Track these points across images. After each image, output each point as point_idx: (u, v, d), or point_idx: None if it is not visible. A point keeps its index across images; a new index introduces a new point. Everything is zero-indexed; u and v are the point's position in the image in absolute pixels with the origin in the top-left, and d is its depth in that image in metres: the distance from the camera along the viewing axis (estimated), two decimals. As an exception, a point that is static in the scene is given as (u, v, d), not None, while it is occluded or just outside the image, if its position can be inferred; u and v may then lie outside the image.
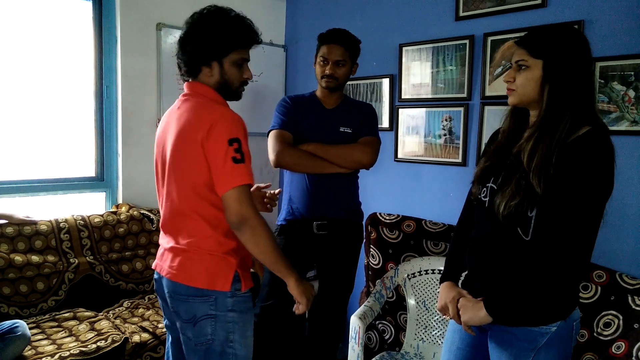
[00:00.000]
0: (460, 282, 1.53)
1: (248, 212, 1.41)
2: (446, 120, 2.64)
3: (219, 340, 1.50)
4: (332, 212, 2.18)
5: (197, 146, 1.42)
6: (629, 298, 1.86)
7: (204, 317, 1.48)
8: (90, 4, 2.75)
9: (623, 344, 1.78)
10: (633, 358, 1.71)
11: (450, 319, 1.46)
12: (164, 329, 2.23)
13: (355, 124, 2.18)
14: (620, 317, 1.84)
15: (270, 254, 1.49)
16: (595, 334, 1.89)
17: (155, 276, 1.64)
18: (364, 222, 2.48)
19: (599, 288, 1.95)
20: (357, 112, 2.22)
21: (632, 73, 1.99)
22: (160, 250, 1.63)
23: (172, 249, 1.54)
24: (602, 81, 2.06)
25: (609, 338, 1.84)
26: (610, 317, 1.88)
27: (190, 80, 1.60)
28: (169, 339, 1.73)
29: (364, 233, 2.67)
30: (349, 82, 3.11)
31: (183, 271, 1.50)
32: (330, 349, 2.37)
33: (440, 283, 1.53)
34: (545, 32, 1.30)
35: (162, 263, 1.58)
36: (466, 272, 1.50)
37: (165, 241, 1.60)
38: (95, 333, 2.17)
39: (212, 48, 1.52)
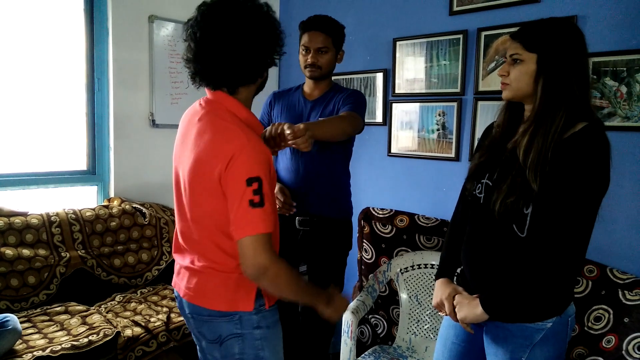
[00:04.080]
0: (455, 278, 1.53)
1: (265, 262, 1.24)
2: (439, 115, 2.65)
3: (248, 359, 1.39)
4: (314, 209, 2.10)
5: (214, 182, 1.26)
6: (620, 293, 1.87)
7: (230, 337, 1.37)
8: (81, -4, 2.73)
9: (613, 337, 1.80)
10: (623, 352, 1.73)
11: (446, 315, 1.46)
12: (156, 323, 2.24)
13: (337, 110, 2.05)
14: (611, 312, 1.86)
15: (293, 295, 1.37)
16: (586, 328, 1.90)
17: (175, 294, 1.52)
18: (355, 219, 2.47)
19: (590, 283, 1.96)
20: (340, 97, 2.09)
21: (625, 69, 2.00)
22: (176, 267, 1.50)
23: (188, 269, 1.41)
24: (595, 77, 2.07)
25: (599, 332, 1.86)
26: (600, 311, 1.89)
27: (214, 89, 1.36)
28: (198, 347, 1.61)
29: (357, 229, 2.68)
30: (342, 77, 3.11)
31: (201, 294, 1.37)
32: (322, 344, 2.37)
33: (435, 279, 1.53)
34: (540, 26, 1.30)
35: (180, 282, 1.45)
36: (461, 268, 1.51)
37: (180, 258, 1.47)
38: (87, 327, 2.16)
39: (273, 56, 1.36)
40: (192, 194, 1.33)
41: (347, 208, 2.21)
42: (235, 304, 1.36)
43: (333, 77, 3.13)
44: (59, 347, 1.97)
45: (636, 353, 1.70)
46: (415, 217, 2.57)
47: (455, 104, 2.57)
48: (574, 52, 1.24)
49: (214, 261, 1.35)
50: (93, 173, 2.88)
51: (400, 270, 2.45)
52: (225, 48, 1.26)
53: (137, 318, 2.30)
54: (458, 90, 2.55)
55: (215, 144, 1.27)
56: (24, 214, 2.47)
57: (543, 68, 1.25)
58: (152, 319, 2.29)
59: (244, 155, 1.23)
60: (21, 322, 2.10)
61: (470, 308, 1.34)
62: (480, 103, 2.46)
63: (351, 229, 2.21)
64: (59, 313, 2.30)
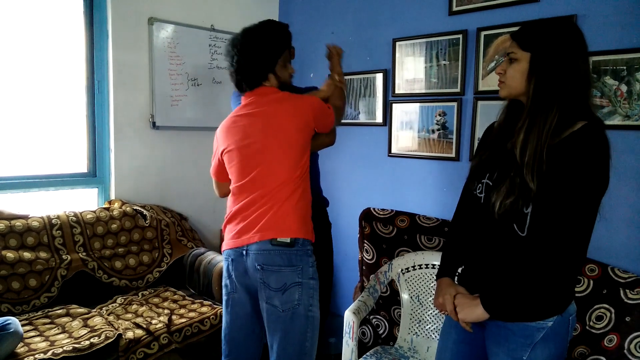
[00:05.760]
0: (456, 277, 1.53)
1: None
2: (440, 115, 2.64)
3: (303, 304, 1.75)
4: None
5: (295, 127, 1.78)
6: (621, 292, 1.87)
7: (293, 285, 1.73)
8: (81, -2, 2.73)
9: (615, 337, 1.79)
10: (625, 351, 1.73)
11: (447, 315, 1.46)
12: (158, 325, 2.24)
13: None
14: (612, 311, 1.86)
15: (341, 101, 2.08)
16: (587, 327, 1.90)
17: (233, 255, 1.80)
18: (355, 220, 2.46)
19: (591, 282, 1.96)
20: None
21: (625, 67, 2.00)
22: (230, 233, 1.81)
23: (257, 218, 1.74)
24: (595, 75, 2.06)
25: (601, 331, 1.86)
26: (602, 310, 1.89)
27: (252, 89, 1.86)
28: (230, 321, 1.88)
29: (358, 229, 2.68)
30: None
31: (278, 227, 1.72)
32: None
33: (436, 279, 1.53)
34: (537, 26, 1.31)
35: (246, 234, 1.75)
36: (462, 268, 1.51)
37: (238, 220, 1.78)
38: (89, 329, 2.16)
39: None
40: (270, 151, 1.75)
41: (323, 196, 2.37)
42: (306, 231, 1.77)
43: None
44: (61, 349, 1.97)
45: (638, 352, 1.70)
46: (416, 217, 2.57)
47: (455, 103, 2.56)
48: (567, 52, 1.24)
49: (282, 198, 1.74)
50: (94, 175, 2.88)
51: (402, 270, 2.45)
52: (254, 63, 1.79)
53: (139, 320, 2.30)
54: (458, 90, 2.55)
55: (289, 110, 1.79)
56: (25, 217, 2.47)
57: (535, 67, 1.26)
58: (154, 321, 2.29)
59: (303, 100, 1.84)
60: (22, 325, 2.10)
61: (471, 307, 1.34)
62: (480, 103, 2.46)
63: (327, 216, 2.38)
64: (60, 316, 2.30)
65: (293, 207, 1.75)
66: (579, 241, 1.22)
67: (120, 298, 2.55)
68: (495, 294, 1.30)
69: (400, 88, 2.82)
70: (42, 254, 2.42)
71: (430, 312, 2.38)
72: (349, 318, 2.18)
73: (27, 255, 2.36)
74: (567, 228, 1.19)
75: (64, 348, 1.99)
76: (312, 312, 1.78)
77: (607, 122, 2.03)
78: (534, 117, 1.25)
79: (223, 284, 1.91)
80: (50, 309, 2.35)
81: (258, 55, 1.79)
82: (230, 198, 1.88)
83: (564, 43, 1.25)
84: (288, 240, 1.71)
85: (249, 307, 1.85)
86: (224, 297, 1.91)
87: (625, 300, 1.84)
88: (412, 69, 2.76)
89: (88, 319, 2.28)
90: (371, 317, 2.52)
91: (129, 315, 2.38)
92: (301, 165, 1.79)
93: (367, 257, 2.62)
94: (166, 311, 2.43)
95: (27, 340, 2.05)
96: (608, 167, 1.21)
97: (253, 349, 1.92)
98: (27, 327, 2.16)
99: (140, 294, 2.62)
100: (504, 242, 1.32)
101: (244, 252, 1.76)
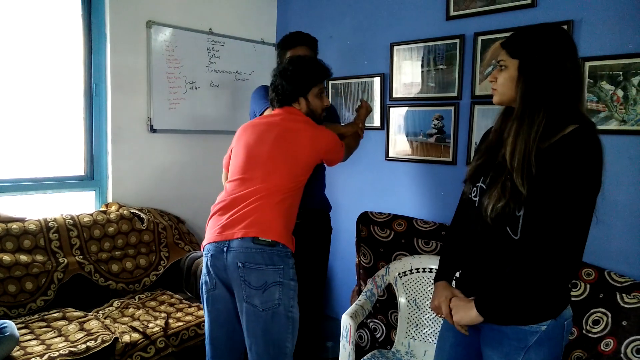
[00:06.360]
0: (454, 281, 1.53)
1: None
2: (437, 119, 2.65)
3: (284, 304, 1.77)
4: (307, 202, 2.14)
5: (304, 146, 1.88)
6: (618, 296, 1.88)
7: (273, 284, 1.75)
8: (79, 1, 2.73)
9: (611, 341, 1.80)
10: (621, 355, 1.73)
11: (443, 318, 1.47)
12: (154, 329, 2.23)
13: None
14: (609, 315, 1.86)
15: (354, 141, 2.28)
16: (584, 332, 1.91)
17: (212, 251, 1.81)
18: (353, 224, 2.46)
19: (588, 286, 1.97)
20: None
21: (621, 73, 2.01)
22: (215, 227, 1.82)
23: (247, 213, 1.77)
24: (591, 81, 2.08)
25: (597, 335, 1.86)
26: (599, 314, 1.90)
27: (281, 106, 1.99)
28: (211, 320, 1.89)
29: (355, 233, 2.68)
30: (340, 81, 3.13)
31: (266, 229, 1.75)
32: (305, 343, 2.33)
33: (434, 282, 1.54)
34: (525, 33, 1.32)
35: (227, 230, 1.77)
36: (460, 272, 1.51)
37: (224, 218, 1.81)
38: (85, 333, 2.16)
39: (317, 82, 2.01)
40: (275, 157, 1.83)
41: (327, 202, 2.44)
42: (287, 238, 1.79)
43: (332, 82, 3.17)
44: (57, 353, 1.97)
45: (635, 356, 1.71)
46: (414, 221, 2.57)
47: (452, 108, 2.57)
48: (553, 55, 1.25)
49: (272, 202, 1.78)
50: (91, 178, 2.88)
51: (399, 274, 2.45)
52: (286, 87, 1.94)
53: (135, 324, 2.29)
54: (455, 94, 2.56)
55: (307, 135, 1.88)
56: (22, 220, 2.46)
57: (523, 73, 1.27)
58: (150, 325, 2.29)
59: (324, 139, 1.93)
60: (18, 329, 2.09)
61: (466, 310, 1.35)
62: (477, 107, 2.47)
63: (330, 221, 2.44)
64: (56, 319, 2.30)
65: (280, 212, 1.79)
66: (571, 244, 1.21)
67: (116, 301, 2.54)
68: (489, 296, 1.30)
69: (398, 92, 2.83)
70: (39, 257, 2.42)
71: (427, 315, 2.38)
72: (346, 322, 2.18)
73: (23, 258, 2.36)
74: (558, 230, 1.19)
75: (60, 352, 1.98)
76: (293, 313, 1.80)
77: (604, 127, 2.04)
78: (521, 121, 1.26)
79: (202, 281, 1.90)
80: (46, 313, 2.34)
81: (291, 78, 1.93)
82: (223, 191, 1.94)
83: (549, 47, 1.26)
84: (269, 240, 1.74)
85: (230, 304, 1.85)
86: (204, 296, 1.90)
87: (622, 304, 1.85)
88: (409, 73, 2.77)
89: (84, 322, 2.27)
90: (368, 320, 2.52)
91: (126, 319, 2.37)
92: (298, 180, 1.86)
93: (364, 260, 2.62)
94: (163, 315, 2.42)
95: (23, 344, 2.05)
96: (600, 169, 1.21)
97: (236, 350, 1.92)
98: (23, 331, 2.15)
99: (137, 298, 2.62)
100: (498, 245, 1.32)
101: (225, 248, 1.77)
